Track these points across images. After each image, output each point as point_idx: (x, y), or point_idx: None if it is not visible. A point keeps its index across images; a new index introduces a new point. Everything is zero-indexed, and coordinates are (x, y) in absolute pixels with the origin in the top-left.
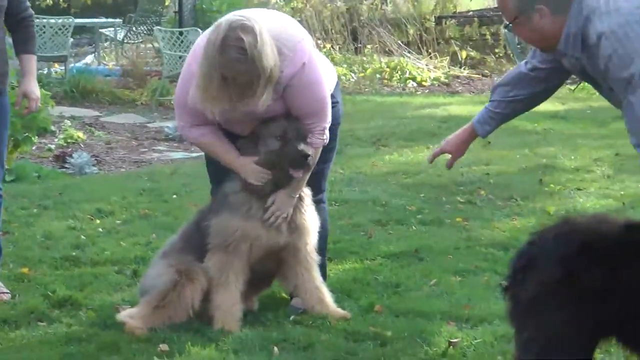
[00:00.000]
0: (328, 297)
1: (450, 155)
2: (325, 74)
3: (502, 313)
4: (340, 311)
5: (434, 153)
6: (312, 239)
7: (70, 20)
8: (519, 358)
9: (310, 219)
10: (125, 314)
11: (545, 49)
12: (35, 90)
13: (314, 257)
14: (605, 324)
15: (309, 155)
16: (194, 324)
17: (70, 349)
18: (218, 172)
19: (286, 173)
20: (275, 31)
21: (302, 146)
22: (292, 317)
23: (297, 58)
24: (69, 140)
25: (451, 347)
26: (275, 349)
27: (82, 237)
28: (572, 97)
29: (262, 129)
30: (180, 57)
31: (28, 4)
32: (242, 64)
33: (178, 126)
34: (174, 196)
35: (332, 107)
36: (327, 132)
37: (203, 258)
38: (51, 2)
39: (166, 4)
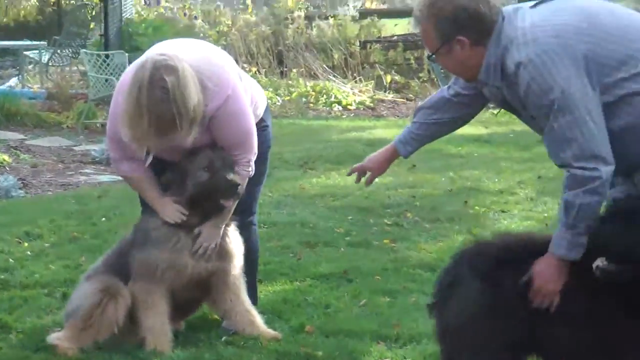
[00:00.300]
0: (258, 319)
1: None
2: (255, 99)
3: (431, 332)
4: (271, 332)
5: (355, 168)
6: (238, 262)
7: None
8: None
9: (236, 243)
10: (55, 337)
11: (468, 79)
12: None
13: (241, 281)
14: (526, 336)
15: (239, 185)
16: (125, 345)
17: None
18: None
19: (216, 203)
20: (198, 64)
21: (231, 175)
22: (223, 338)
23: (221, 91)
24: None
25: None
26: None
27: (11, 260)
28: (495, 122)
29: (188, 163)
30: (106, 80)
31: None
32: (165, 103)
33: (110, 158)
34: (103, 219)
35: (263, 131)
36: (252, 163)
37: (126, 281)
38: None
39: (91, 27)
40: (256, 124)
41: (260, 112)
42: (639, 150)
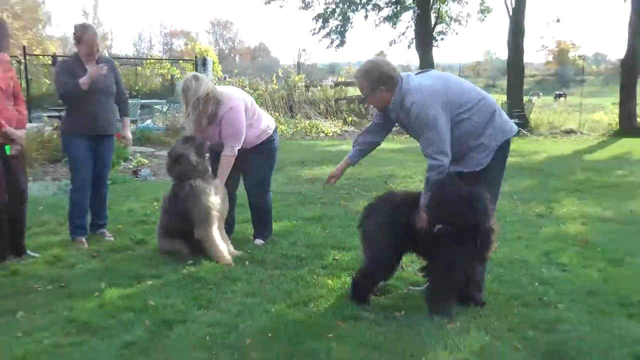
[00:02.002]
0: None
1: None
2: (267, 124)
3: None
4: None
5: (328, 177)
6: None
7: (138, 100)
8: (365, 264)
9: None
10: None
11: (382, 109)
12: (129, 135)
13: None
14: (404, 240)
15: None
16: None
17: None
18: None
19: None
20: (224, 92)
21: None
22: (256, 246)
23: (227, 105)
24: (139, 163)
25: (334, 260)
26: (247, 262)
27: (148, 211)
28: (407, 140)
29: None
30: None
31: (126, 92)
32: (186, 93)
33: None
34: None
35: (270, 143)
36: (235, 149)
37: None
38: (128, 91)
39: None
40: (265, 139)
41: (270, 131)
42: (461, 148)
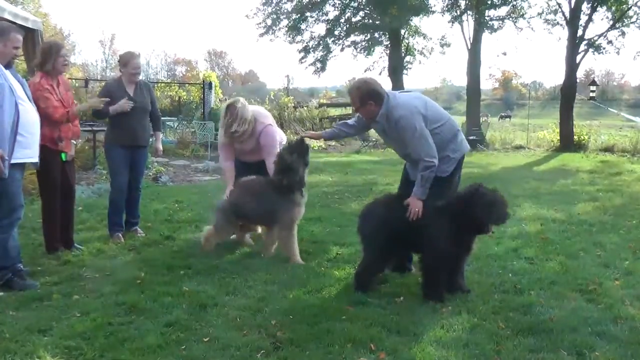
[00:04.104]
0: None
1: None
2: (281, 136)
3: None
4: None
5: (307, 135)
6: None
7: None
8: (364, 258)
9: None
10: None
11: (369, 119)
12: (160, 147)
13: None
14: (401, 237)
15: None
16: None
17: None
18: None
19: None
20: (256, 111)
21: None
22: None
23: (263, 122)
24: (158, 171)
25: (337, 255)
26: (263, 255)
27: (170, 211)
28: (384, 154)
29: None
30: (204, 134)
31: (158, 109)
32: (234, 116)
33: (220, 158)
34: (209, 194)
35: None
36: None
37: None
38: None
39: (195, 112)
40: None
41: (283, 141)
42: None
